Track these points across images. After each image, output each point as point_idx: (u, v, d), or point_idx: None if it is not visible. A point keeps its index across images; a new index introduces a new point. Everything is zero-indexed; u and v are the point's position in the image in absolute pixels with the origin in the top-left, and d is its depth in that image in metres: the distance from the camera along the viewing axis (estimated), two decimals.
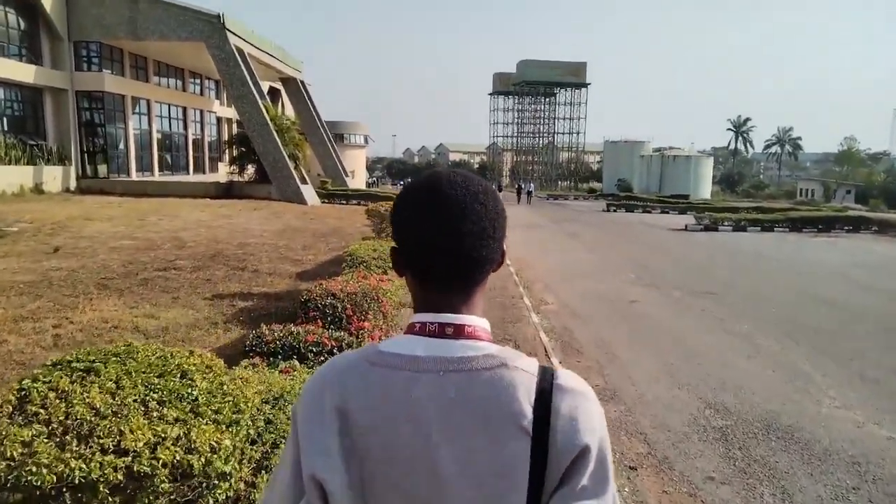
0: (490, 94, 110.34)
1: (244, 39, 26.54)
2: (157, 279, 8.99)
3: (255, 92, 24.58)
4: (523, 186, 43.39)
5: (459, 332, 0.92)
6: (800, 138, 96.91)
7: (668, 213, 36.43)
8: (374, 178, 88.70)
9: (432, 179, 0.97)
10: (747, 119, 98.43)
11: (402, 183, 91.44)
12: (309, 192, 25.90)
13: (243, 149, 26.05)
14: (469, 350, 0.90)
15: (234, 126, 36.17)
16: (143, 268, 9.76)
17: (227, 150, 30.87)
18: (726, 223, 25.47)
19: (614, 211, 37.08)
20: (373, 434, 0.88)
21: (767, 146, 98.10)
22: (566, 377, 0.92)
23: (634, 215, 34.23)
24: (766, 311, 9.43)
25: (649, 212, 36.66)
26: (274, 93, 41.19)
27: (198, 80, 34.72)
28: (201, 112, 35.01)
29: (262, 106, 24.61)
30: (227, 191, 25.45)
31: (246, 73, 24.57)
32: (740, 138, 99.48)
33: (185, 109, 33.12)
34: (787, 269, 14.63)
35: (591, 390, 0.94)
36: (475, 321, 0.95)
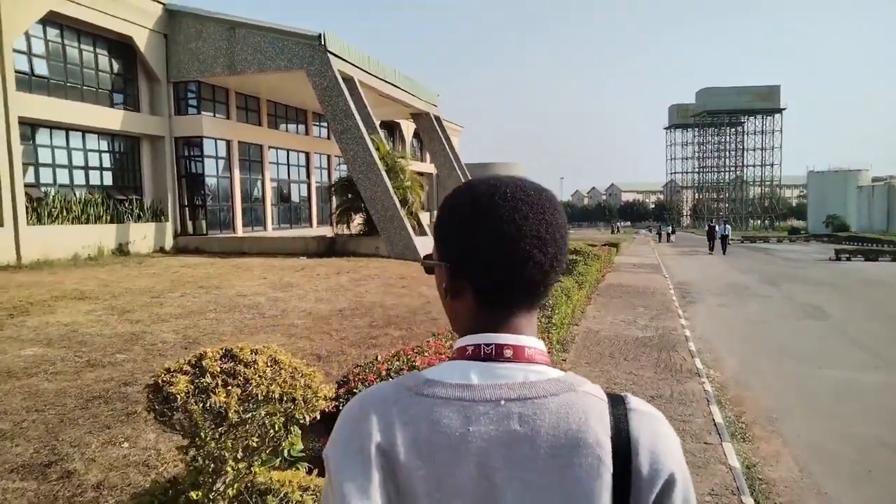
0: (666, 128, 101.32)
1: (354, 65, 22.09)
2: None
3: (360, 125, 19.79)
4: (717, 228, 32.20)
5: (519, 354, 0.81)
6: None
7: None
8: None
9: (494, 185, 0.83)
10: None
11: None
12: (426, 244, 20.37)
13: (349, 195, 21.24)
14: (531, 374, 0.79)
15: None
16: None
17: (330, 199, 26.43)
18: None
19: (847, 260, 27.17)
20: (423, 477, 0.75)
21: None
22: (638, 401, 0.81)
23: (880, 266, 24.16)
24: None
25: None
26: (391, 128, 36.65)
27: (324, 123, 31.38)
28: (328, 158, 31.50)
29: (369, 142, 19.69)
30: (329, 246, 20.73)
31: (351, 102, 19.90)
32: None
33: (307, 155, 29.70)
34: None
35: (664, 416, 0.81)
36: (535, 343, 0.83)
